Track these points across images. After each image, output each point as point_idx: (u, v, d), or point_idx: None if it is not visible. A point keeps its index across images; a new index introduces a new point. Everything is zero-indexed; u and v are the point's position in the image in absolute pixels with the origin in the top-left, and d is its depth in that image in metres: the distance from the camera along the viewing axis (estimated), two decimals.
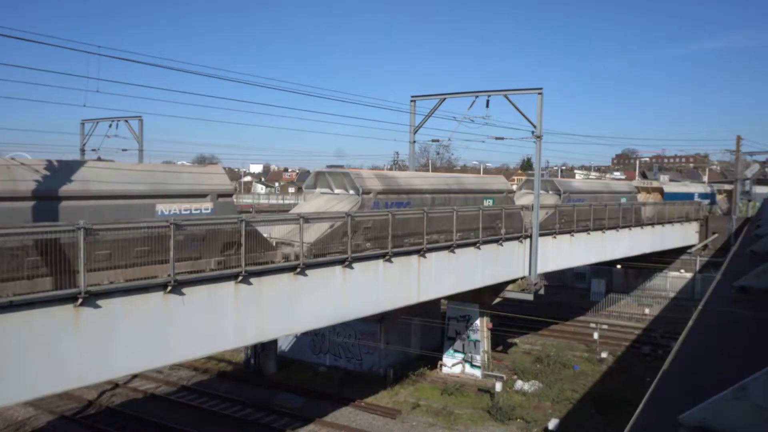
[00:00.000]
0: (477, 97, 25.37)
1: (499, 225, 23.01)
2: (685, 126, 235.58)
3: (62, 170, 12.31)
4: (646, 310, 39.03)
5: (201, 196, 14.55)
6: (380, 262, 17.66)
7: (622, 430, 6.22)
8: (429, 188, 22.23)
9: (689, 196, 45.99)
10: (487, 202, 24.72)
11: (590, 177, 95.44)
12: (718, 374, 6.78)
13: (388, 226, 17.50)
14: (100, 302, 11.13)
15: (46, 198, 11.71)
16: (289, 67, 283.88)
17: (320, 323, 17.61)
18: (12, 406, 21.12)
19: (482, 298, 25.93)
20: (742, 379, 4.23)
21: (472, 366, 27.24)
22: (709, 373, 7.36)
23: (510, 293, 25.64)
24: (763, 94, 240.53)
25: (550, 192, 31.94)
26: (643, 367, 27.32)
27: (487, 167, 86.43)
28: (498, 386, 23.95)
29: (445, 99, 26.87)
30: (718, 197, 51.79)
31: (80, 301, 10.70)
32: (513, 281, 25.24)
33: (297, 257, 14.70)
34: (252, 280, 13.87)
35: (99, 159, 26.85)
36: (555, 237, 26.93)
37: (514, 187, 32.79)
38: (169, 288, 12.11)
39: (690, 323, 10.11)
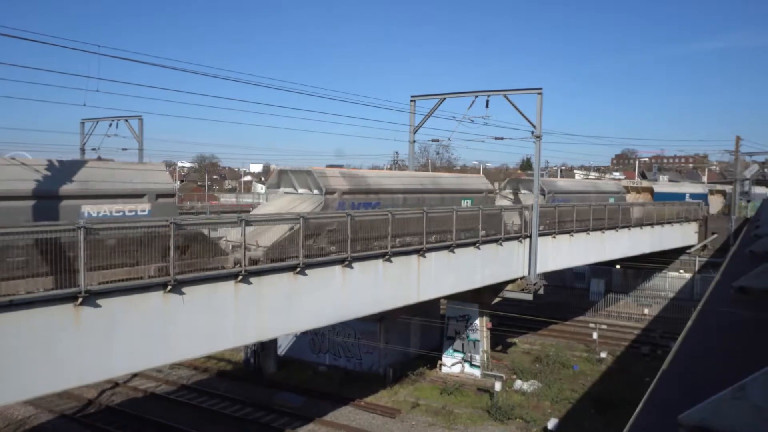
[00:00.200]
0: (477, 97, 25.38)
1: (479, 226, 21.92)
2: (684, 126, 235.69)
3: None
4: (646, 310, 39.06)
5: (136, 196, 13.54)
6: (380, 261, 17.67)
7: (622, 429, 6.23)
8: (401, 188, 21.33)
9: (680, 197, 45.43)
10: (466, 203, 23.85)
11: (589, 176, 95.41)
12: (718, 374, 6.79)
13: (347, 229, 16.15)
14: (99, 301, 11.14)
15: None
16: (290, 67, 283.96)
17: (320, 323, 17.62)
18: (12, 405, 21.13)
19: (482, 297, 25.95)
20: (741, 380, 4.25)
21: (472, 366, 27.27)
22: (709, 373, 7.38)
23: (509, 293, 25.66)
24: (763, 94, 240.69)
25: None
26: (642, 367, 27.35)
27: (487, 167, 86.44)
28: (497, 386, 23.97)
29: (444, 99, 26.88)
30: (711, 197, 51.10)
31: (80, 300, 10.71)
32: (512, 281, 25.26)
33: (255, 262, 13.86)
34: (252, 279, 13.88)
35: (99, 158, 26.87)
36: (554, 237, 26.94)
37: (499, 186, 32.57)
38: (169, 287, 12.11)
39: (689, 323, 10.13)
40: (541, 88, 23.53)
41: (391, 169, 75.47)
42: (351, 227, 15.95)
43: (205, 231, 13.49)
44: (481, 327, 27.18)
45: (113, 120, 31.39)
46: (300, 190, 19.00)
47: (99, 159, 21.92)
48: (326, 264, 15.91)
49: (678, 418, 4.04)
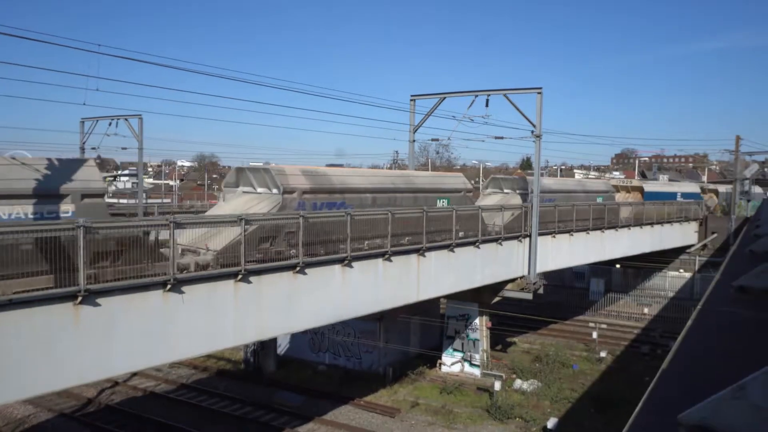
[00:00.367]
0: (477, 96, 25.38)
1: (456, 228, 20.82)
2: (684, 126, 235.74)
3: None
4: (645, 310, 39.08)
5: (57, 196, 12.19)
6: (380, 261, 17.67)
7: (621, 429, 6.23)
8: (370, 187, 20.15)
9: (672, 196, 44.52)
10: (442, 203, 22.85)
11: (589, 176, 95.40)
12: (717, 374, 6.79)
13: (299, 231, 15.07)
14: (99, 300, 11.14)
15: None
16: (290, 66, 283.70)
17: (320, 322, 17.63)
18: (11, 404, 21.13)
19: (481, 297, 25.96)
20: (741, 379, 4.25)
21: (471, 365, 27.28)
22: (708, 372, 7.38)
23: (509, 292, 25.67)
24: (763, 94, 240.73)
25: (518, 191, 29.79)
26: (642, 366, 27.36)
27: (487, 166, 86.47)
28: (497, 385, 23.98)
29: (444, 98, 26.88)
30: (704, 196, 50.56)
31: (80, 299, 10.71)
32: (512, 280, 25.26)
33: (204, 267, 12.84)
34: (251, 278, 13.87)
35: (99, 157, 26.85)
36: (554, 236, 26.95)
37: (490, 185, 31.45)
38: (169, 286, 12.11)
39: (689, 323, 10.12)
40: (540, 88, 23.54)
41: (390, 168, 75.48)
42: (304, 229, 14.72)
43: (150, 233, 12.14)
44: (480, 326, 27.19)
45: (113, 119, 31.40)
46: (259, 189, 17.81)
47: (99, 158, 21.78)
48: (326, 263, 15.91)
49: (678, 417, 4.04)
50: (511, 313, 32.18)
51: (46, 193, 12.15)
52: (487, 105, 25.19)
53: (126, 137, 31.78)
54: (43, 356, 10.51)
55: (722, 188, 56.32)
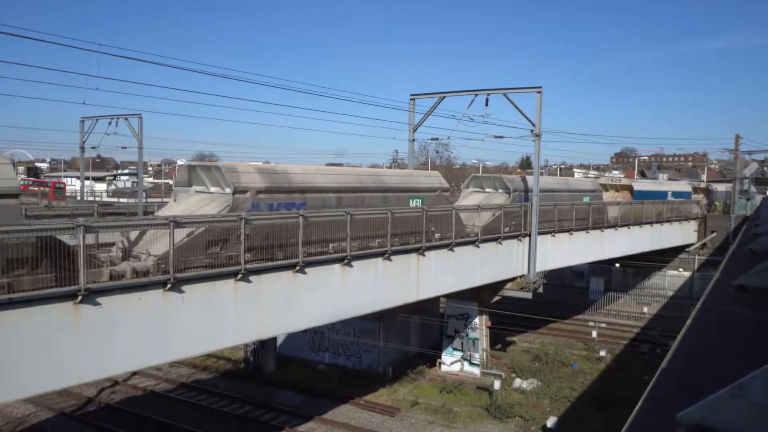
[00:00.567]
0: (476, 95, 25.38)
1: (432, 229, 19.84)
2: (684, 125, 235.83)
3: None
4: (645, 309, 39.11)
5: None
6: (379, 260, 17.68)
7: (621, 428, 6.24)
8: (334, 186, 18.87)
9: (662, 195, 43.73)
10: (415, 202, 21.76)
11: (589, 174, 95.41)
12: (717, 373, 6.80)
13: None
14: (99, 299, 11.14)
15: None
16: (290, 66, 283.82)
17: (319, 321, 17.64)
18: (11, 403, 21.13)
19: (481, 296, 25.98)
20: (740, 378, 4.25)
21: (471, 364, 27.29)
22: (708, 371, 7.39)
23: (509, 292, 25.68)
24: (763, 93, 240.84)
25: (500, 190, 28.65)
26: (641, 365, 27.39)
27: (487, 165, 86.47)
28: (496, 384, 24.00)
29: (444, 97, 26.88)
30: (695, 195, 49.98)
31: (80, 298, 10.71)
32: (512, 280, 25.27)
33: (145, 273, 11.91)
34: (251, 278, 13.88)
35: (99, 156, 26.81)
36: (554, 236, 26.96)
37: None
38: (169, 286, 12.11)
39: (688, 322, 10.13)
40: (540, 87, 23.54)
41: (390, 167, 75.43)
42: (250, 232, 13.74)
43: (72, 238, 10.74)
44: (480, 325, 27.20)
45: (113, 118, 31.42)
46: (212, 189, 16.42)
47: (98, 157, 21.72)
48: (326, 262, 15.92)
49: (677, 416, 4.05)
50: (510, 312, 32.19)
51: None
52: (486, 104, 25.22)
53: (126, 136, 31.82)
54: (43, 355, 10.51)
55: (714, 187, 55.90)
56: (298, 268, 14.90)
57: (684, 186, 52.60)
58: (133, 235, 13.31)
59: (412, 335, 29.04)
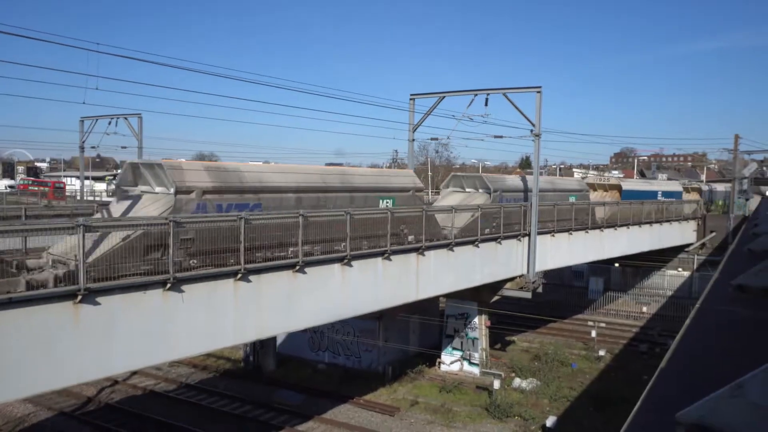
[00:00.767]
0: (476, 95, 25.39)
1: (405, 231, 18.76)
2: (684, 125, 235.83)
3: None
4: (644, 309, 39.14)
5: None
6: (379, 260, 17.70)
7: (620, 427, 6.25)
8: (293, 185, 17.58)
9: (652, 195, 42.48)
10: (385, 203, 20.69)
11: (588, 174, 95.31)
12: (716, 372, 6.81)
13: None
14: (99, 299, 11.15)
15: None
16: (290, 66, 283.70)
17: (319, 321, 17.65)
18: (11, 403, 21.13)
19: (481, 296, 26.00)
20: (739, 377, 4.26)
21: (471, 364, 27.31)
22: (707, 371, 7.40)
23: (508, 291, 25.69)
24: (762, 93, 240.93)
25: (480, 190, 27.30)
26: (640, 365, 27.42)
27: (486, 165, 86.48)
28: (496, 384, 24.02)
29: (444, 97, 26.88)
30: (686, 195, 49.27)
31: (79, 298, 10.72)
32: (511, 279, 25.29)
33: (73, 280, 10.87)
34: (251, 277, 13.89)
35: (98, 156, 26.79)
36: (553, 236, 26.98)
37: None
38: (169, 285, 12.12)
39: (687, 321, 10.14)
40: (540, 87, 23.56)
41: (390, 167, 75.43)
42: (182, 236, 12.73)
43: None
44: (480, 325, 27.22)
45: (113, 118, 31.45)
46: (157, 189, 15.21)
47: (98, 157, 21.62)
48: (325, 262, 15.93)
49: (676, 416, 4.05)
50: (510, 311, 32.20)
51: None
52: (486, 104, 25.21)
53: (126, 136, 31.84)
54: (43, 355, 10.52)
55: (705, 186, 55.51)
56: (297, 267, 14.92)
57: (674, 186, 51.60)
58: (68, 239, 12.11)
59: (412, 335, 29.06)
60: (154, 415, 21.92)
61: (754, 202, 48.88)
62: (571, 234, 28.30)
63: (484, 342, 27.42)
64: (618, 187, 42.62)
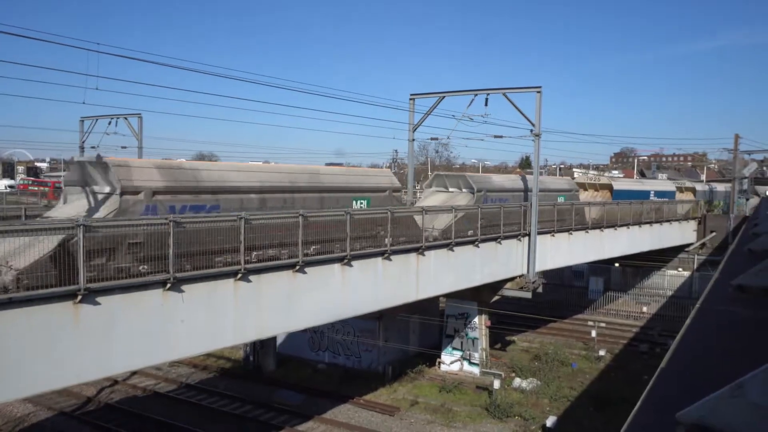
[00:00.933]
0: (476, 95, 25.40)
1: (382, 233, 17.75)
2: (684, 125, 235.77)
3: None
4: (644, 309, 39.14)
5: None
6: (379, 260, 17.70)
7: (620, 427, 6.25)
8: (255, 185, 16.58)
9: (644, 195, 42.07)
10: (359, 204, 19.92)
11: (588, 174, 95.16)
12: (716, 372, 6.81)
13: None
14: (99, 299, 11.15)
15: None
16: (290, 66, 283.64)
17: (319, 321, 17.66)
18: (11, 403, 21.13)
19: (481, 296, 26.00)
20: (739, 378, 4.26)
21: (471, 364, 27.31)
22: (707, 371, 7.40)
23: (508, 291, 25.70)
24: (762, 93, 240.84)
25: (464, 190, 26.34)
26: (640, 365, 27.42)
27: (486, 165, 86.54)
28: (496, 384, 24.01)
29: (444, 97, 26.89)
30: (679, 195, 48.05)
31: (79, 297, 10.72)
32: (511, 279, 25.30)
33: (5, 290, 10.03)
34: (251, 277, 13.90)
35: (98, 156, 26.81)
36: (553, 236, 26.98)
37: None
38: (168, 285, 12.12)
39: (688, 321, 10.14)
40: (540, 87, 23.57)
41: (389, 167, 75.42)
42: (130, 240, 11.83)
43: None
44: (480, 325, 27.22)
45: (112, 118, 31.37)
46: (106, 189, 14.08)
47: (98, 156, 21.55)
48: (326, 262, 15.93)
49: (676, 416, 4.05)
50: (510, 311, 32.21)
51: None
52: (486, 104, 25.21)
53: (126, 136, 31.75)
54: (43, 355, 10.52)
55: (699, 187, 55.20)
56: (297, 267, 14.92)
57: (667, 185, 51.09)
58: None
59: (412, 335, 29.06)
60: (154, 415, 21.92)
61: (753, 201, 48.84)
62: (571, 234, 28.30)
63: (484, 342, 27.42)
64: (609, 187, 42.12)
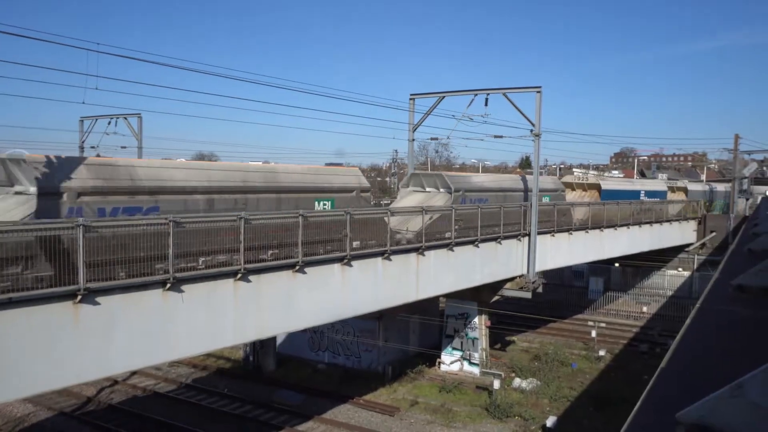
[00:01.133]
0: (476, 95, 25.40)
1: (350, 236, 16.46)
2: (684, 125, 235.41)
3: None
4: (644, 309, 39.13)
5: None
6: (379, 260, 17.70)
7: (620, 427, 6.26)
8: (202, 185, 15.28)
9: (634, 195, 41.22)
10: (323, 205, 18.83)
11: (588, 174, 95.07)
12: (716, 372, 6.81)
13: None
14: (99, 299, 11.15)
15: None
16: (290, 66, 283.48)
17: (319, 320, 17.65)
18: (11, 403, 21.13)
19: (481, 296, 26.00)
20: (739, 377, 4.26)
21: (471, 364, 27.31)
22: (707, 371, 7.40)
23: (508, 291, 25.70)
24: (762, 93, 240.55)
25: (441, 190, 25.05)
26: (640, 365, 27.41)
27: (486, 165, 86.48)
28: (496, 384, 24.01)
29: (444, 97, 26.89)
30: (671, 195, 47.28)
31: (79, 297, 10.72)
32: (511, 279, 25.30)
33: None
34: (251, 277, 13.89)
35: (98, 156, 26.83)
36: (553, 236, 26.99)
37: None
38: (168, 285, 12.12)
39: (688, 321, 10.15)
40: (540, 87, 23.58)
41: (389, 167, 75.42)
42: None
43: None
44: (480, 325, 27.22)
45: (112, 118, 31.39)
46: (31, 189, 12.49)
47: (98, 156, 21.44)
48: (325, 262, 15.93)
49: (676, 415, 4.05)
50: (510, 311, 32.22)
51: None
52: (486, 104, 25.22)
53: (125, 136, 31.77)
54: (43, 355, 10.52)
55: (691, 186, 54.84)
56: (297, 267, 14.92)
57: (659, 185, 50.20)
58: None
59: (412, 335, 29.06)
60: (154, 415, 21.92)
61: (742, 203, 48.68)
62: (571, 234, 28.31)
63: (484, 342, 27.42)
64: (597, 187, 41.27)
